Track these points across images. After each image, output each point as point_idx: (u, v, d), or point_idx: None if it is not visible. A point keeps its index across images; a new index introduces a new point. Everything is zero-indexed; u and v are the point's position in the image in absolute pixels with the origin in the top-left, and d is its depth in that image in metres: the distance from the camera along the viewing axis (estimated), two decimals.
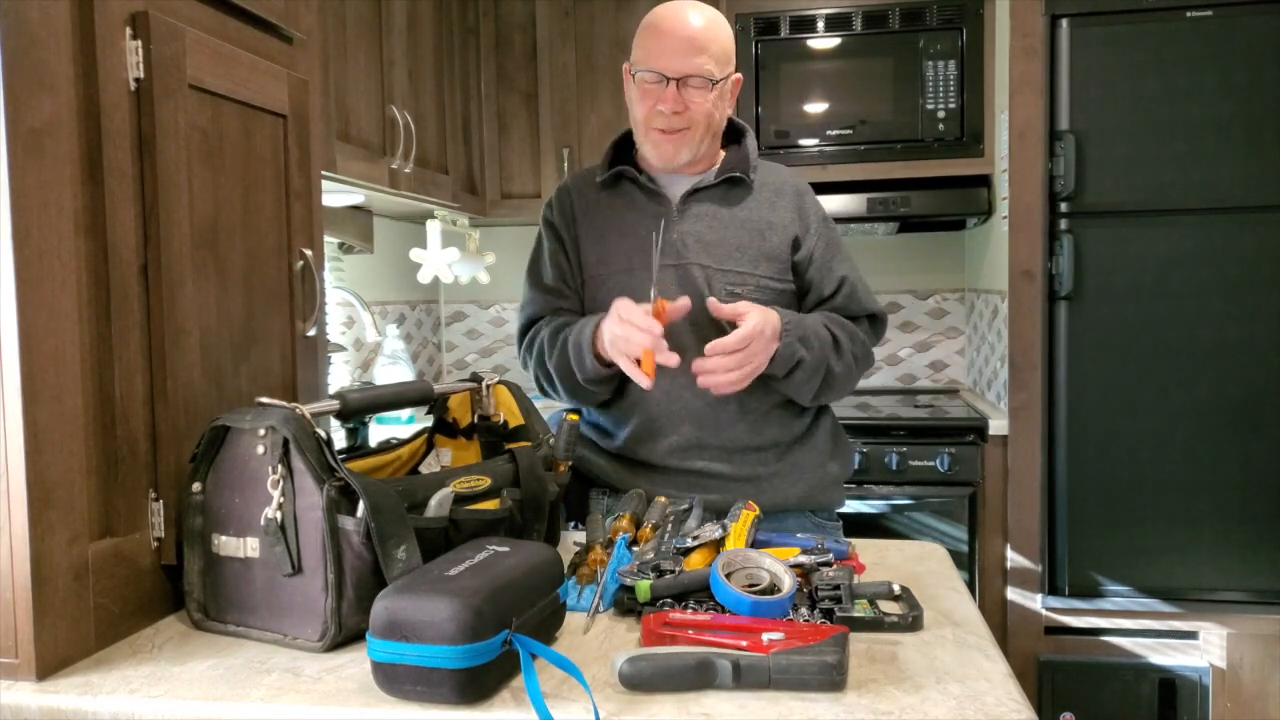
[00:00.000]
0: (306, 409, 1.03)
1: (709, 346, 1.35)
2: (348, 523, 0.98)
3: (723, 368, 1.35)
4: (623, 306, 1.35)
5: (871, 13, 2.65)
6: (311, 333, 1.36)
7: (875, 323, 1.59)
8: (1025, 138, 2.37)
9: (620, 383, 1.51)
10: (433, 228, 2.69)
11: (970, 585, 2.45)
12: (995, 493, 2.45)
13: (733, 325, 1.39)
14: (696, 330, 1.46)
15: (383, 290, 2.95)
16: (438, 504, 1.06)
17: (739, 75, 1.55)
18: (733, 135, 1.61)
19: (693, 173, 1.55)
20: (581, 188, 1.61)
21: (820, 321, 1.48)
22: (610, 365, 1.42)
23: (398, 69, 2.27)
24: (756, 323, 1.35)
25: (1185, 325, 2.29)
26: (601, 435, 1.57)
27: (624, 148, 1.60)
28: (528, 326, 1.61)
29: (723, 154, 1.59)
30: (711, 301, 1.41)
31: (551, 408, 2.60)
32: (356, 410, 1.14)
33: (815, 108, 2.70)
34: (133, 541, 1.05)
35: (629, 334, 1.33)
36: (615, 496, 1.53)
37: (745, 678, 0.87)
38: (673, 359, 1.30)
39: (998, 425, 2.43)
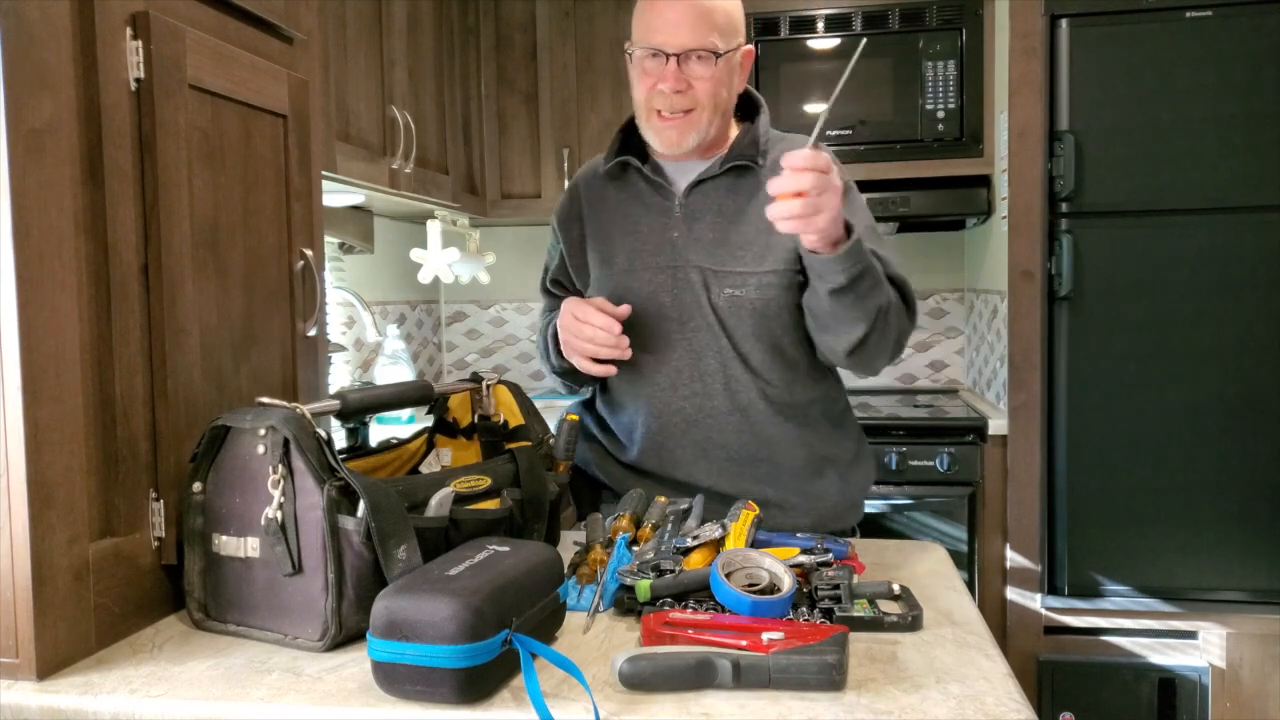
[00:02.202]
0: (307, 409, 1.03)
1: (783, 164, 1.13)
2: (348, 522, 0.98)
3: (790, 187, 1.13)
4: (576, 307, 1.35)
5: (871, 13, 2.65)
6: (312, 333, 1.36)
7: (905, 289, 1.38)
8: (1025, 138, 2.37)
9: (619, 388, 1.49)
10: (433, 228, 2.69)
11: (970, 585, 2.45)
12: (995, 493, 2.45)
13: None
14: (684, 330, 1.42)
15: (383, 290, 2.95)
16: (438, 504, 1.06)
17: (750, 47, 1.43)
18: (748, 109, 1.49)
19: (703, 157, 1.45)
20: (590, 181, 1.54)
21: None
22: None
23: (398, 69, 2.27)
24: (829, 175, 1.14)
25: (1185, 325, 2.29)
26: (616, 446, 1.53)
27: (633, 133, 1.49)
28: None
29: (735, 133, 1.48)
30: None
31: (552, 408, 2.60)
32: (356, 410, 1.14)
33: (815, 108, 2.70)
34: (133, 541, 1.05)
35: (582, 332, 1.34)
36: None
37: (745, 677, 0.87)
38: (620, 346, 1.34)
39: (997, 425, 2.43)
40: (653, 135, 1.42)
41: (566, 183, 2.89)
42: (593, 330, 1.34)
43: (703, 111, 1.38)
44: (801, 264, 1.39)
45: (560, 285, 1.59)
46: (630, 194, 1.49)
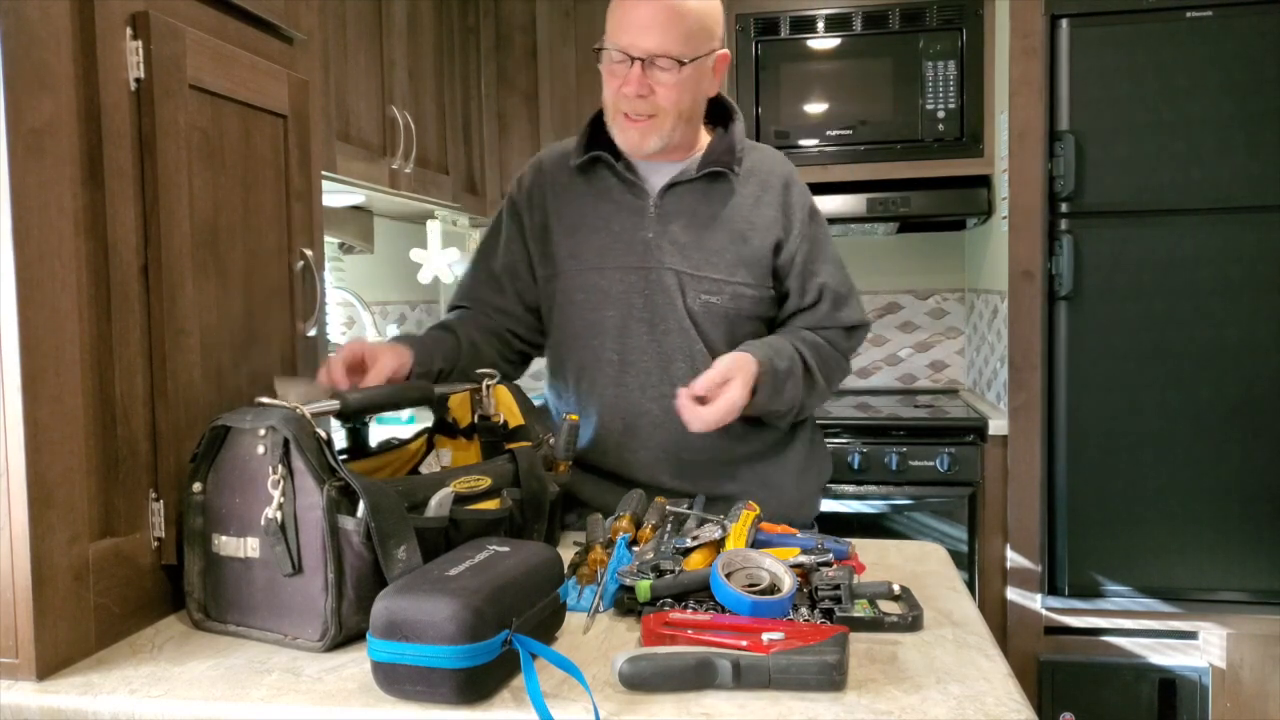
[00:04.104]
0: (307, 409, 1.03)
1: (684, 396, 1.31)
2: (348, 523, 0.98)
3: (699, 413, 1.31)
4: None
5: (871, 13, 2.65)
6: (312, 333, 1.35)
7: (853, 333, 1.49)
8: (1025, 138, 2.37)
9: (577, 384, 1.48)
10: (433, 228, 2.69)
11: (970, 585, 2.45)
12: (995, 493, 2.45)
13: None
14: (654, 333, 1.42)
15: (383, 290, 2.95)
16: (438, 504, 1.06)
17: (724, 51, 1.41)
18: (722, 115, 1.48)
19: (673, 159, 1.44)
20: (555, 169, 1.50)
21: (793, 350, 1.40)
22: None
23: (398, 69, 2.27)
24: (727, 366, 1.31)
25: (1185, 325, 2.29)
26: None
27: (602, 126, 1.46)
28: (453, 308, 1.54)
29: (708, 139, 1.47)
30: (682, 393, 1.31)
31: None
32: (357, 410, 1.14)
33: (815, 108, 2.70)
34: (133, 541, 1.05)
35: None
36: (581, 512, 1.46)
37: (745, 678, 0.87)
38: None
39: (997, 425, 2.43)
40: (617, 134, 1.41)
41: None
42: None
43: (665, 118, 1.37)
44: (771, 282, 1.45)
45: (512, 275, 1.51)
46: (600, 189, 1.46)
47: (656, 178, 1.44)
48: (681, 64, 1.33)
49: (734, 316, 1.43)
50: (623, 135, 1.40)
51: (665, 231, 1.42)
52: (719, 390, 1.30)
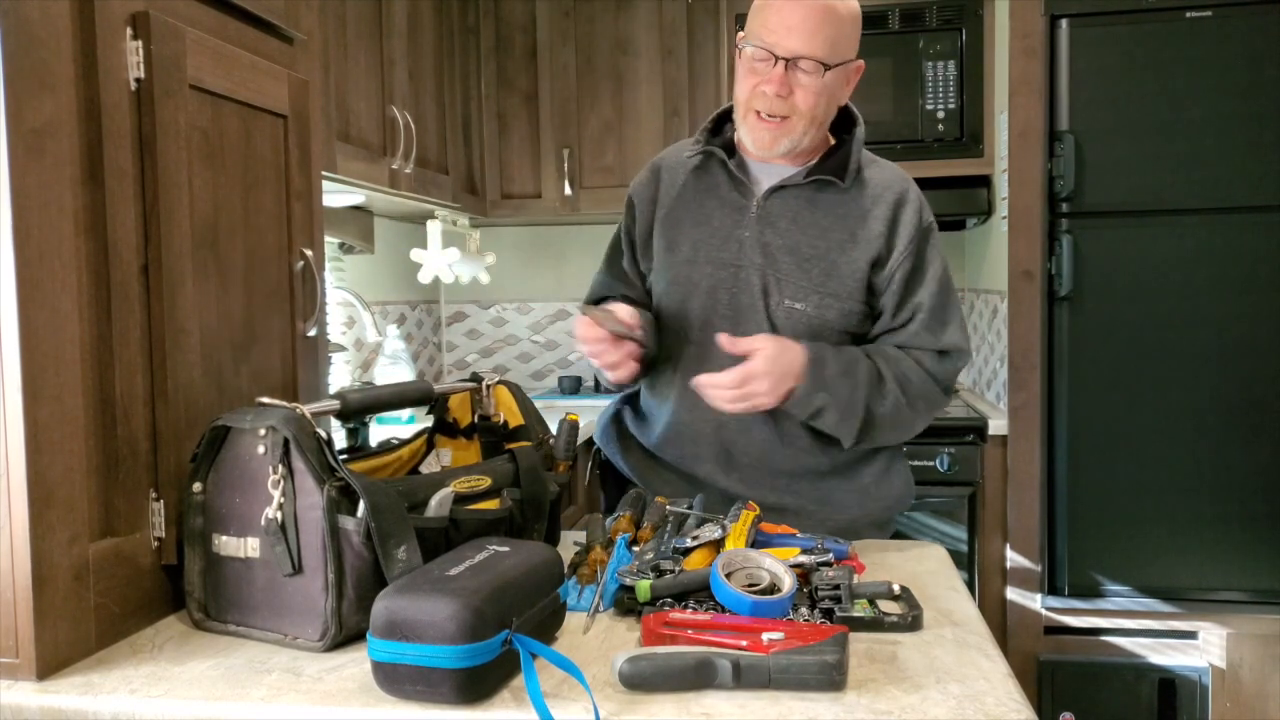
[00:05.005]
0: (307, 409, 1.03)
1: (702, 380, 1.30)
2: (348, 522, 0.98)
3: (720, 395, 1.29)
4: (578, 325, 1.37)
5: (871, 13, 2.65)
6: (312, 333, 1.36)
7: (945, 358, 1.42)
8: (1025, 138, 2.37)
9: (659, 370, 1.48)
10: (433, 228, 2.69)
11: (970, 585, 2.45)
12: (995, 493, 2.45)
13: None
14: (735, 332, 1.38)
15: (383, 290, 2.95)
16: (438, 504, 1.06)
17: (860, 62, 1.41)
18: (844, 123, 1.47)
19: (793, 162, 1.43)
20: (674, 164, 1.51)
21: (865, 359, 1.37)
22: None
23: (398, 69, 2.27)
24: (759, 366, 1.27)
25: (1185, 325, 2.29)
26: (644, 429, 1.52)
27: (723, 123, 1.48)
28: (594, 304, 1.55)
29: (828, 146, 1.47)
30: (722, 338, 1.30)
31: (552, 408, 2.60)
32: (357, 410, 1.14)
33: None
34: (133, 541, 1.05)
35: (586, 349, 1.36)
36: (649, 497, 1.49)
37: (745, 677, 0.87)
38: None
39: (997, 425, 2.43)
40: (747, 133, 1.40)
41: (566, 184, 2.89)
42: (588, 348, 1.36)
43: (799, 120, 1.36)
44: (863, 297, 1.41)
45: (634, 269, 1.55)
46: (708, 185, 1.47)
47: (766, 179, 1.44)
48: (826, 68, 1.34)
49: (817, 326, 1.39)
50: (753, 134, 1.39)
51: (762, 233, 1.41)
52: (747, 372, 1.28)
